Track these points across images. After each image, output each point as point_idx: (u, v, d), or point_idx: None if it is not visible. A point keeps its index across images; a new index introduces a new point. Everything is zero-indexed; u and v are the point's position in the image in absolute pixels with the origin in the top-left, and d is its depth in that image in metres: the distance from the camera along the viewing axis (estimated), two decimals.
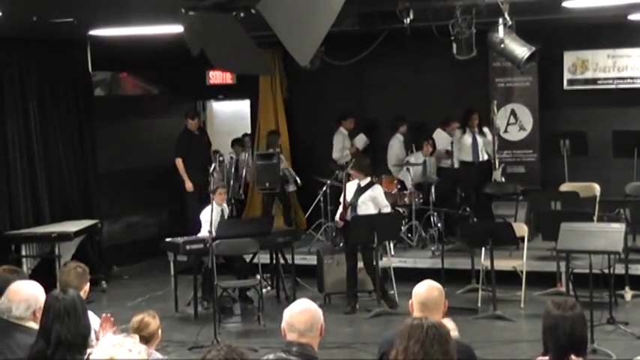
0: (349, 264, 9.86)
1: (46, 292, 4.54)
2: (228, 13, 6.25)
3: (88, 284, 5.42)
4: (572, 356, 3.82)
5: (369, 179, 10.03)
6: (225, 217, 10.29)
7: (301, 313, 3.95)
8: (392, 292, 9.94)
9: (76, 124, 11.80)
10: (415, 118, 12.94)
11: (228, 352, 3.23)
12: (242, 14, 6.14)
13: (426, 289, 4.50)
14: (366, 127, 13.28)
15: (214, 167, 9.66)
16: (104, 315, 4.90)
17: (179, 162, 11.97)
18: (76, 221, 11.15)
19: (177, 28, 8.53)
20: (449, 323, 4.63)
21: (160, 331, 5.25)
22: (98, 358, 3.37)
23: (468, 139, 12.21)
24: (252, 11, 5.84)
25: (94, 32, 10.63)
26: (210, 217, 9.41)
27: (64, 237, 10.49)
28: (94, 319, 4.79)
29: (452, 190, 12.14)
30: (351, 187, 9.99)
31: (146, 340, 4.95)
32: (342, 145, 12.82)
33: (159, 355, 5.05)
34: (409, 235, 11.61)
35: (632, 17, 10.91)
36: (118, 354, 3.32)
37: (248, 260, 10.02)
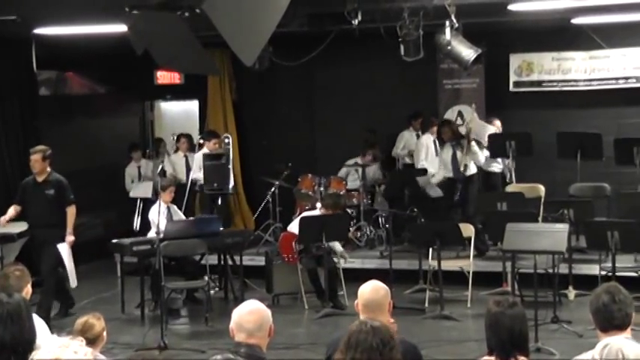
0: (310, 269, 9.87)
1: None
2: (172, 12, 6.20)
3: (30, 286, 5.31)
4: (517, 355, 3.88)
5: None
6: (174, 216, 10.20)
7: (250, 314, 3.93)
8: (341, 292, 9.97)
9: (20, 124, 11.61)
10: (366, 119, 13.01)
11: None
12: (187, 13, 6.10)
13: (371, 289, 4.50)
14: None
15: (163, 165, 9.71)
16: None
17: None
18: (20, 222, 10.93)
19: (122, 27, 8.43)
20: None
21: (104, 333, 5.19)
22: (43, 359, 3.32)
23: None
24: (197, 11, 5.80)
25: (38, 31, 10.48)
26: (157, 217, 9.33)
27: (7, 238, 10.26)
28: (38, 323, 4.70)
29: (400, 191, 12.19)
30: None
31: (91, 342, 4.86)
32: (403, 144, 12.76)
33: (104, 358, 4.99)
34: (357, 236, 11.64)
35: (576, 21, 11.10)
36: (63, 355, 3.28)
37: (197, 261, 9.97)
